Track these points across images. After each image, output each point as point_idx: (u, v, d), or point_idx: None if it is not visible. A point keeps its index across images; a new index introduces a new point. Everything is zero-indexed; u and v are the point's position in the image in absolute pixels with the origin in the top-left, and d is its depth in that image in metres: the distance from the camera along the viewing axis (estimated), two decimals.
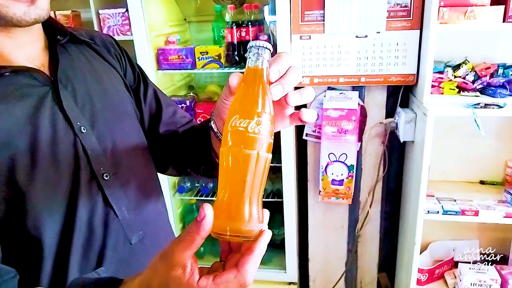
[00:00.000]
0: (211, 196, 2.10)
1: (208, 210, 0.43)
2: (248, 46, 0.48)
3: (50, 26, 0.68)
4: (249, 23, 1.78)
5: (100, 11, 1.88)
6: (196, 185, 2.15)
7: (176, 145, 0.83)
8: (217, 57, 1.80)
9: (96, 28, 1.92)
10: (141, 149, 0.78)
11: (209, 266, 0.48)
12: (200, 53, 1.80)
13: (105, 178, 0.67)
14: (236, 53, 1.82)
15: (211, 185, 2.12)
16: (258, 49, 0.47)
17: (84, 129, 0.65)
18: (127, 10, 1.88)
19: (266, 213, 0.48)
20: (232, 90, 0.50)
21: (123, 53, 0.82)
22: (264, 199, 1.94)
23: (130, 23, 1.90)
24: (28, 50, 0.64)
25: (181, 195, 2.09)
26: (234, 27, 1.77)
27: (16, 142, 0.58)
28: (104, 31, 1.90)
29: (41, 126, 0.60)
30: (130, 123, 0.77)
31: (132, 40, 1.76)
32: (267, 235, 0.46)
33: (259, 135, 0.45)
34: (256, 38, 1.79)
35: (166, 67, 1.82)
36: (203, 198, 2.09)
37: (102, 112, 0.70)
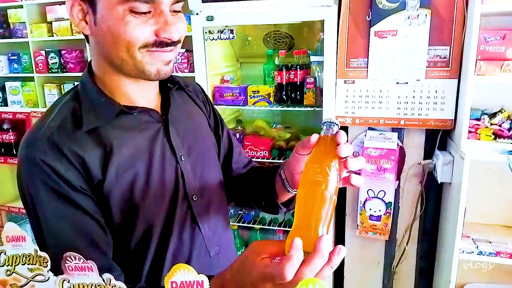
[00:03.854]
0: (253, 223, 2.22)
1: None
2: (322, 122, 0.64)
3: None
4: (298, 67, 1.96)
5: None
6: (239, 212, 2.29)
7: (241, 182, 0.98)
8: (266, 96, 1.99)
9: None
10: (219, 178, 0.94)
11: None
12: (252, 91, 1.99)
13: (194, 199, 0.82)
14: (284, 93, 2.00)
15: (253, 213, 2.25)
16: (330, 124, 0.63)
17: (183, 158, 0.81)
18: (186, 51, 2.14)
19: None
20: (310, 146, 0.63)
21: (207, 99, 1.00)
22: None
23: (188, 62, 2.15)
24: (148, 94, 0.81)
25: None
26: (284, 69, 1.96)
27: (137, 166, 0.75)
28: None
29: (155, 154, 0.77)
30: (213, 156, 0.94)
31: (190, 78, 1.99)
32: (325, 239, 0.53)
33: (330, 181, 0.59)
34: (303, 80, 1.97)
35: (221, 102, 2.03)
36: (245, 224, 2.22)
37: (195, 145, 0.86)
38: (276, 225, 2.18)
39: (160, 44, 0.69)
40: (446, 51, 1.68)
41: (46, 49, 2.66)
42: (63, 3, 2.61)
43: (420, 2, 1.65)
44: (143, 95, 0.80)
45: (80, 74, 2.68)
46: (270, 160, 2.06)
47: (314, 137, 0.64)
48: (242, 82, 2.38)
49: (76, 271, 0.55)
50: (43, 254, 0.56)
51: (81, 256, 0.53)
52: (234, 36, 1.89)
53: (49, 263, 0.56)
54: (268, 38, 2.16)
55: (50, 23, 2.63)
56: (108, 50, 0.71)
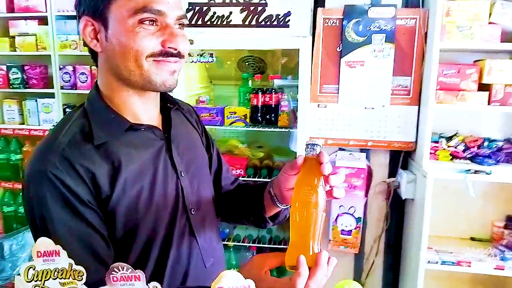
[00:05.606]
0: (227, 241, 2.26)
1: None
2: (306, 143, 0.71)
3: (162, 95, 0.90)
4: (273, 90, 2.07)
5: None
6: None
7: (230, 198, 1.04)
8: (243, 117, 2.07)
9: None
10: (211, 194, 0.99)
11: None
12: (230, 112, 2.07)
13: (192, 212, 0.86)
14: (259, 114, 2.09)
15: (227, 230, 2.29)
16: (313, 145, 0.70)
17: (183, 174, 0.86)
18: None
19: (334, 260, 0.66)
20: (298, 166, 0.71)
21: (199, 119, 1.05)
22: (276, 246, 2.14)
23: None
24: (150, 111, 0.85)
25: None
26: (260, 92, 2.06)
27: (142, 179, 0.78)
28: None
29: (158, 169, 0.81)
30: (206, 172, 0.99)
31: None
32: (324, 254, 0.63)
33: (320, 200, 0.66)
34: (278, 103, 2.07)
35: None
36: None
37: (192, 162, 0.91)
38: (251, 242, 2.24)
39: (166, 54, 0.75)
40: (407, 81, 1.87)
41: (8, 64, 2.57)
42: (28, 18, 2.55)
43: (385, 37, 1.84)
44: (147, 112, 0.84)
45: (43, 90, 2.60)
46: (246, 178, 2.12)
47: (300, 159, 0.72)
48: (215, 103, 2.44)
49: (121, 281, 0.57)
50: (79, 267, 0.57)
51: (129, 266, 0.56)
52: (214, 60, 1.96)
53: (84, 276, 0.57)
54: (243, 62, 2.25)
55: (13, 37, 2.55)
56: (117, 62, 0.76)
